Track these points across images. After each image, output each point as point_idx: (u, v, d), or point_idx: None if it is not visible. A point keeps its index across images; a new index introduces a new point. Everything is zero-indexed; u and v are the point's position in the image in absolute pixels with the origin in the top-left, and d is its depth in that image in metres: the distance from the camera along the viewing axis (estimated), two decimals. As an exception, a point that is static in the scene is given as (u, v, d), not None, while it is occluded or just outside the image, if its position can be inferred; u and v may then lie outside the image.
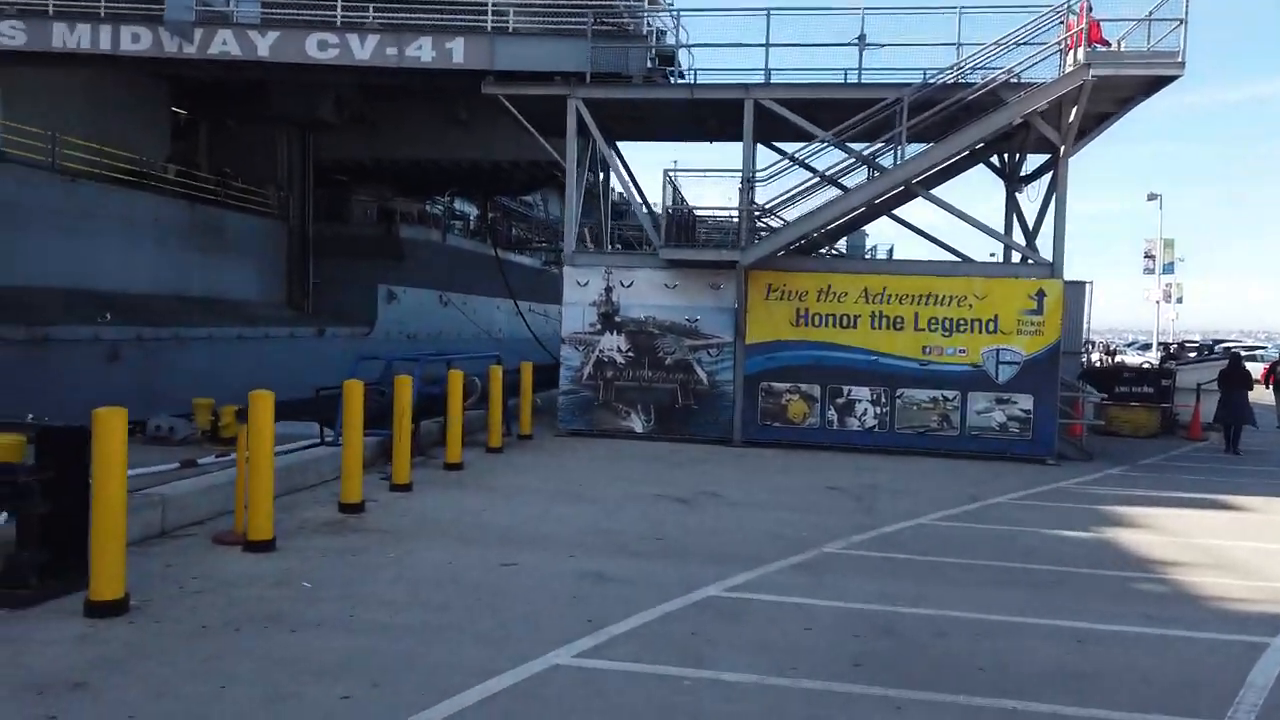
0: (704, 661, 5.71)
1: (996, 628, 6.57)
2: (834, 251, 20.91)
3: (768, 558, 8.26)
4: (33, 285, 22.78)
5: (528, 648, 5.80)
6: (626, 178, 16.48)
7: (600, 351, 16.34)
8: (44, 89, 25.07)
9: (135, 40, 17.52)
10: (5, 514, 6.91)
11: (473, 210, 43.12)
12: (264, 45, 17.17)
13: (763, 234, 15.63)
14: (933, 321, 15.47)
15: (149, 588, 6.73)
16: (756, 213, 15.67)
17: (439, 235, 37.72)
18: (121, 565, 6.23)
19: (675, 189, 16.19)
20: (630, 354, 16.26)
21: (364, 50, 16.82)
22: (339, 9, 17.11)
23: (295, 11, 17.63)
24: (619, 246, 23.31)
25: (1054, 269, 15.33)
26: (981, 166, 18.58)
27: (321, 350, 29.77)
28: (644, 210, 16.53)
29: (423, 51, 16.62)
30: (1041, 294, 15.26)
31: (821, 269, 15.99)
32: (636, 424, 16.27)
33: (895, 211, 18.36)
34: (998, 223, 18.13)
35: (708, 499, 10.91)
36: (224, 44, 17.29)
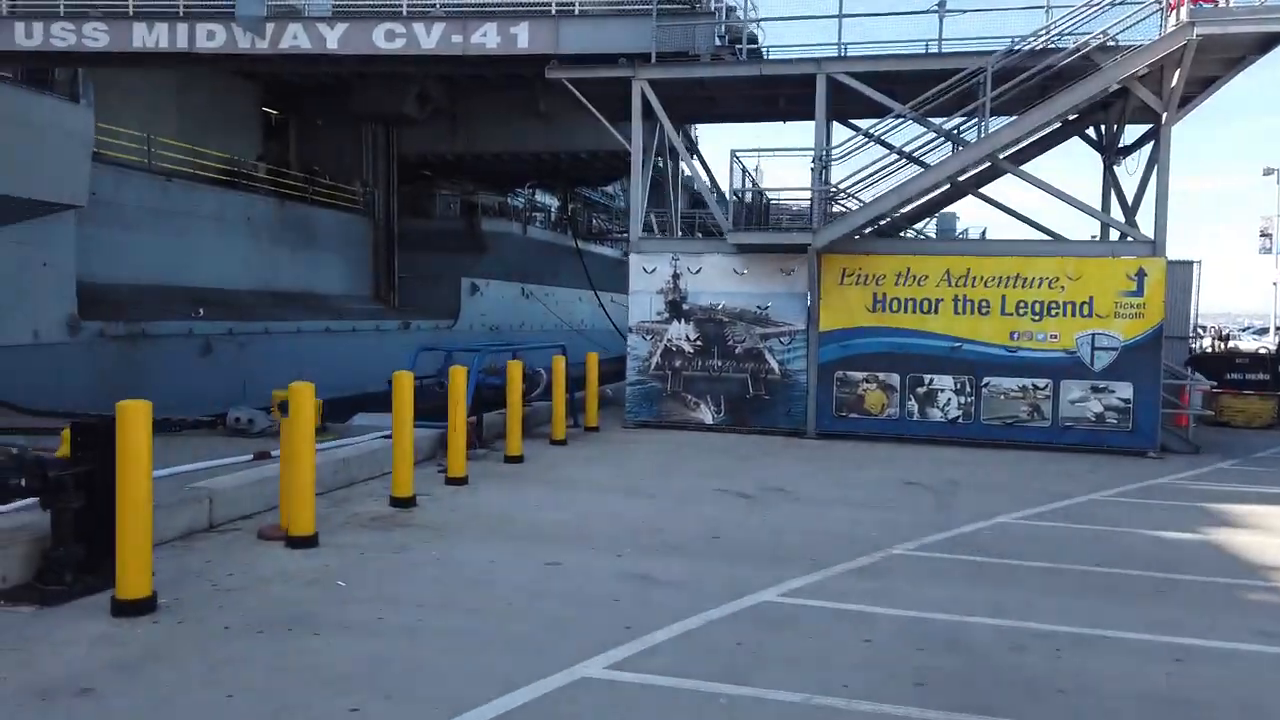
0: (746, 676, 5.20)
1: (1082, 642, 5.88)
2: (915, 233, 19.97)
3: (831, 560, 7.69)
4: (130, 282, 23.65)
5: (558, 657, 5.40)
6: (695, 161, 15.92)
7: (668, 341, 15.88)
8: (139, 91, 26.18)
9: (210, 38, 17.73)
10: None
11: (553, 202, 43.12)
12: (333, 38, 17.18)
13: (837, 216, 14.89)
14: (1021, 305, 14.52)
15: (183, 584, 6.58)
16: (830, 193, 14.94)
17: (520, 228, 37.81)
18: (147, 562, 6.06)
19: (745, 171, 15.58)
20: (699, 343, 15.75)
21: (430, 39, 16.66)
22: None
23: (364, 4, 17.64)
24: (699, 235, 22.67)
25: (1155, 247, 14.19)
26: (1077, 140, 17.43)
27: (407, 342, 30.12)
28: (713, 194, 15.97)
29: (488, 38, 16.37)
30: (1142, 274, 14.15)
31: (900, 251, 15.17)
32: (706, 415, 15.76)
33: (985, 191, 17.39)
34: (1094, 199, 16.97)
35: (773, 494, 10.35)
36: (294, 38, 17.36)
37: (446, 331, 32.79)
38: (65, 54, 18.17)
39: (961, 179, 18.05)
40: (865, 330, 15.08)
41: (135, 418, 6.00)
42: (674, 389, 15.89)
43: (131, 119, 25.42)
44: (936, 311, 14.83)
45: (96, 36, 17.99)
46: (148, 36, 17.93)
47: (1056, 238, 16.03)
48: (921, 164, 15.10)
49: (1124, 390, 14.18)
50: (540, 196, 42.74)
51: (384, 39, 16.87)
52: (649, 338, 15.99)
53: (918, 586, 7.03)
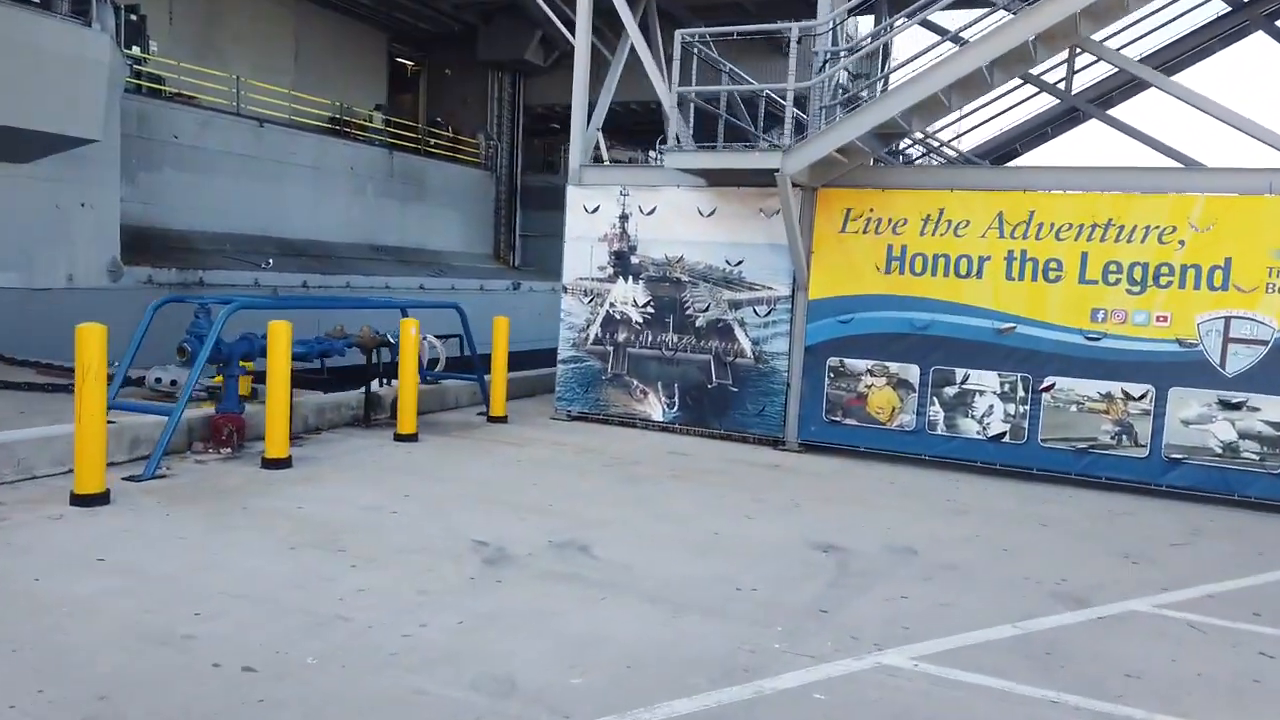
0: None
1: None
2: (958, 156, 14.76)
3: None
4: (210, 230, 22.20)
5: None
6: (643, 45, 11.39)
7: (610, 305, 11.71)
8: (251, 39, 25.23)
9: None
10: None
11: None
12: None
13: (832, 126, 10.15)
14: (1112, 269, 9.41)
15: None
16: (825, 94, 10.22)
17: None
18: None
19: (699, 59, 11.07)
20: (649, 310, 11.50)
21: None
22: None
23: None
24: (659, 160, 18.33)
25: (1347, 179, 8.73)
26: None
27: (515, 304, 27.42)
28: (672, 100, 11.45)
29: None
30: (1319, 222, 8.75)
31: (929, 184, 10.26)
32: (655, 409, 11.53)
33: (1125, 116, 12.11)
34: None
35: (556, 560, 6.15)
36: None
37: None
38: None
39: (1074, 94, 12.86)
40: (874, 300, 10.37)
41: None
42: (616, 371, 11.73)
43: (244, 65, 24.50)
44: (980, 275, 9.92)
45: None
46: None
47: (1189, 163, 10.64)
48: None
49: (1275, 408, 8.87)
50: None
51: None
52: (587, 300, 11.87)
53: None
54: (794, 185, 10.32)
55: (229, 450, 8.43)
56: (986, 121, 14.64)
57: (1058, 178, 9.83)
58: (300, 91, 26.03)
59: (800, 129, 10.53)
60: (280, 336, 8.08)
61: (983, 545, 7.16)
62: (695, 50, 10.08)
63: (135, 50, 21.21)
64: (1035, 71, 14.12)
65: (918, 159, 16.97)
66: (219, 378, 8.91)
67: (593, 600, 5.36)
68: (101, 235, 18.54)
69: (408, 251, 28.41)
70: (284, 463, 8.10)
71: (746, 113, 11.52)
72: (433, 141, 30.53)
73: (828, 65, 10.42)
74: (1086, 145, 17.45)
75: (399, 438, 9.67)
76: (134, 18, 21.50)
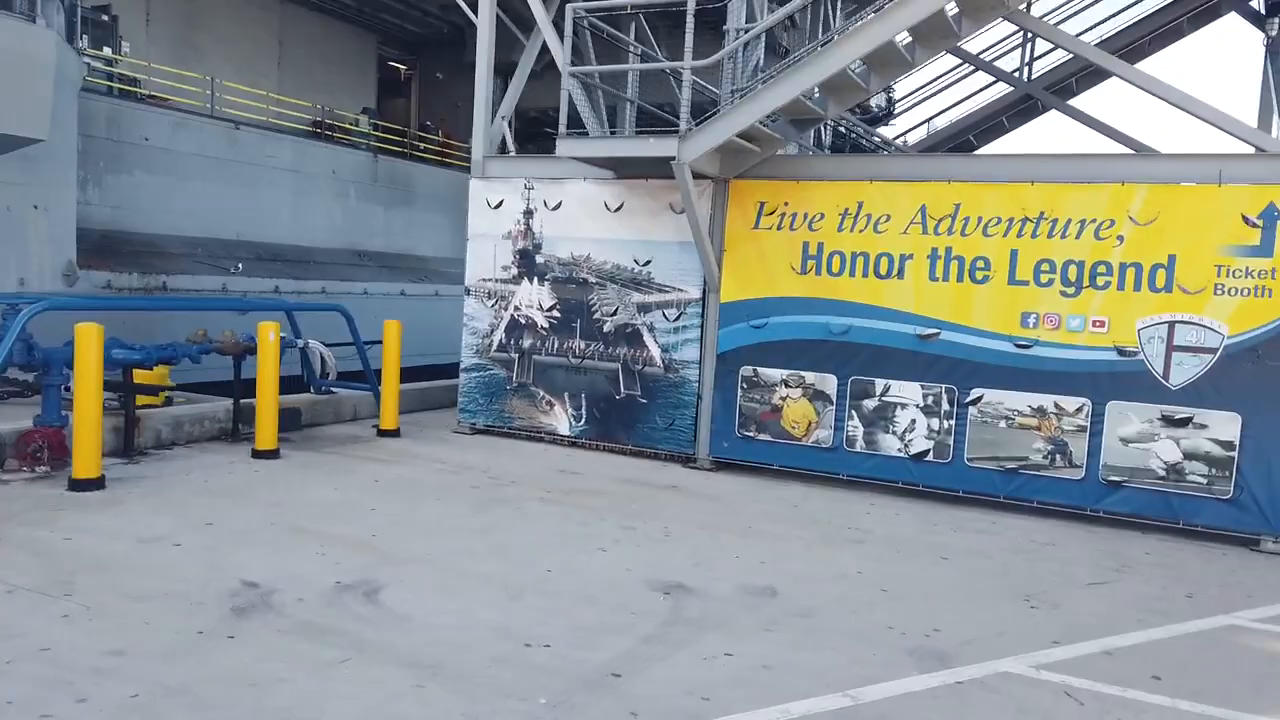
0: None
1: None
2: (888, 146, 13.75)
3: None
4: (182, 234, 21.57)
5: None
6: (544, 17, 10.32)
7: (516, 308, 10.80)
8: (235, 41, 24.55)
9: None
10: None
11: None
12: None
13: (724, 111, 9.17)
14: (1043, 268, 8.41)
15: None
16: (739, 75, 9.23)
17: None
18: None
19: (592, 33, 10.15)
20: (555, 314, 10.57)
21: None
22: None
23: None
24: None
25: (1304, 165, 7.70)
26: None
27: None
28: (575, 84, 10.42)
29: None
30: (1273, 213, 7.71)
31: (848, 174, 9.26)
32: (562, 422, 10.60)
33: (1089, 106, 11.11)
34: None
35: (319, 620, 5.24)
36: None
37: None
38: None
39: (1030, 81, 11.94)
40: (789, 303, 9.40)
41: None
42: (521, 380, 10.81)
43: (226, 68, 23.90)
44: (902, 275, 8.94)
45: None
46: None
47: (1141, 150, 9.63)
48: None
49: (1223, 425, 7.83)
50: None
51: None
52: (491, 303, 10.97)
53: None
54: (704, 177, 9.43)
55: (44, 468, 7.57)
56: (941, 112, 13.65)
57: (985, 167, 8.84)
58: (287, 95, 25.42)
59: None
60: (89, 341, 7.20)
61: (860, 584, 6.18)
62: (585, 25, 9.15)
63: (106, 51, 20.64)
64: (990, 57, 13.15)
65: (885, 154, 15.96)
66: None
67: (329, 665, 4.43)
68: (56, 238, 17.86)
69: (392, 257, 27.71)
70: (94, 484, 7.23)
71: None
72: (422, 146, 29.79)
73: (747, 44, 9.46)
74: (1048, 138, 16.37)
75: (256, 454, 8.78)
76: (105, 18, 20.91)
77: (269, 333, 8.77)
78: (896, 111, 18.90)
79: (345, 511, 7.17)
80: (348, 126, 27.74)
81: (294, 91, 25.93)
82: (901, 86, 17.91)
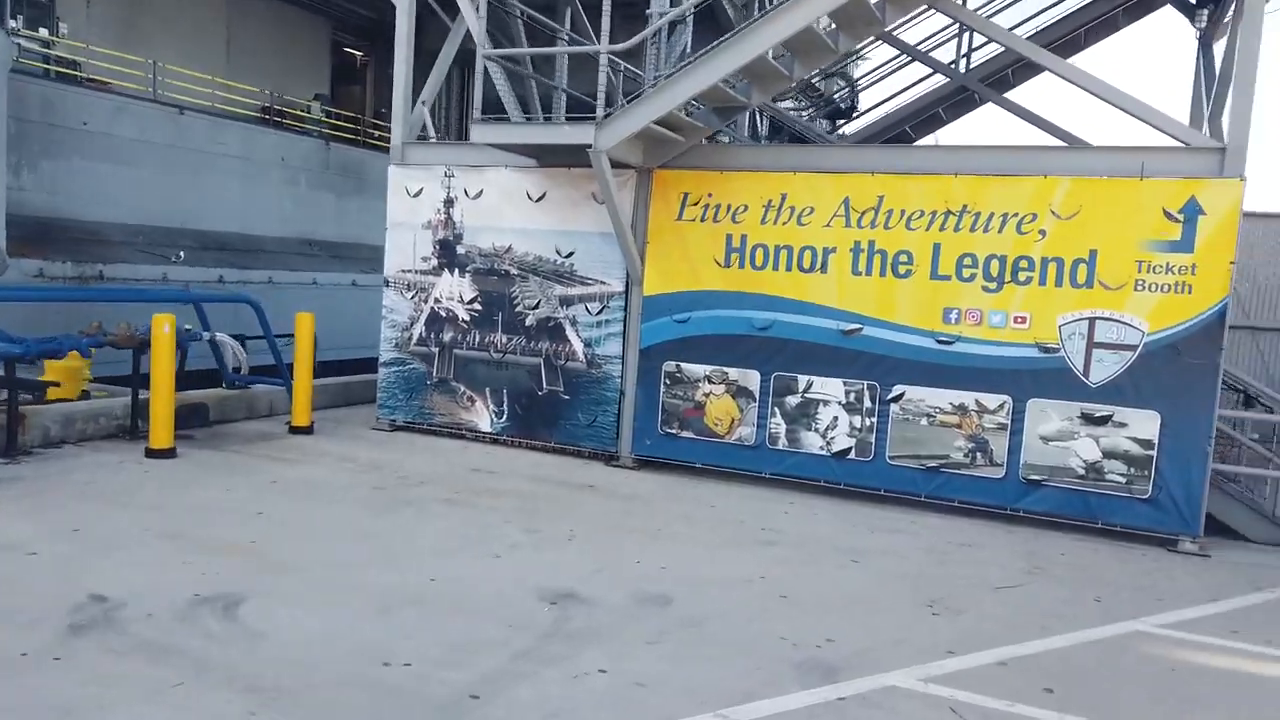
0: None
1: None
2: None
3: None
4: (124, 222, 20.80)
5: None
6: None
7: (436, 301, 10.45)
8: (180, 25, 23.70)
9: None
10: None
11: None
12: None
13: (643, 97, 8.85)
14: (966, 262, 8.22)
15: None
16: (661, 61, 8.93)
17: None
18: None
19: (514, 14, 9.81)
20: (476, 307, 10.24)
21: None
22: None
23: None
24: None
25: (1225, 160, 7.54)
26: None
27: None
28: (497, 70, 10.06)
29: None
30: (1194, 208, 7.57)
31: (772, 166, 9.02)
32: (483, 418, 10.28)
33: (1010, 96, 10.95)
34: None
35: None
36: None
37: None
38: None
39: (965, 73, 11.78)
40: (713, 297, 9.14)
41: None
42: (442, 375, 10.46)
43: (171, 52, 22.84)
44: (825, 269, 8.71)
45: None
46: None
47: (1075, 144, 9.47)
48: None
49: (1144, 423, 7.70)
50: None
51: None
52: (411, 295, 10.60)
53: None
54: (627, 166, 9.14)
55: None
56: (879, 104, 13.46)
57: (910, 158, 8.64)
58: (236, 80, 24.68)
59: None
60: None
61: (760, 590, 5.94)
62: (517, 13, 8.81)
63: (43, 32, 19.89)
64: (928, 47, 12.97)
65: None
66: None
67: (159, 690, 4.10)
68: None
69: (344, 247, 27.15)
70: (-37, 487, 6.81)
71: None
72: (376, 134, 29.15)
73: (669, 27, 9.17)
74: (985, 130, 16.15)
75: (150, 453, 8.37)
76: (41, -1, 20.16)
77: (163, 325, 8.35)
78: (863, 105, 18.61)
79: (229, 516, 6.81)
80: (299, 113, 27.14)
81: (243, 77, 25.20)
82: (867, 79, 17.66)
